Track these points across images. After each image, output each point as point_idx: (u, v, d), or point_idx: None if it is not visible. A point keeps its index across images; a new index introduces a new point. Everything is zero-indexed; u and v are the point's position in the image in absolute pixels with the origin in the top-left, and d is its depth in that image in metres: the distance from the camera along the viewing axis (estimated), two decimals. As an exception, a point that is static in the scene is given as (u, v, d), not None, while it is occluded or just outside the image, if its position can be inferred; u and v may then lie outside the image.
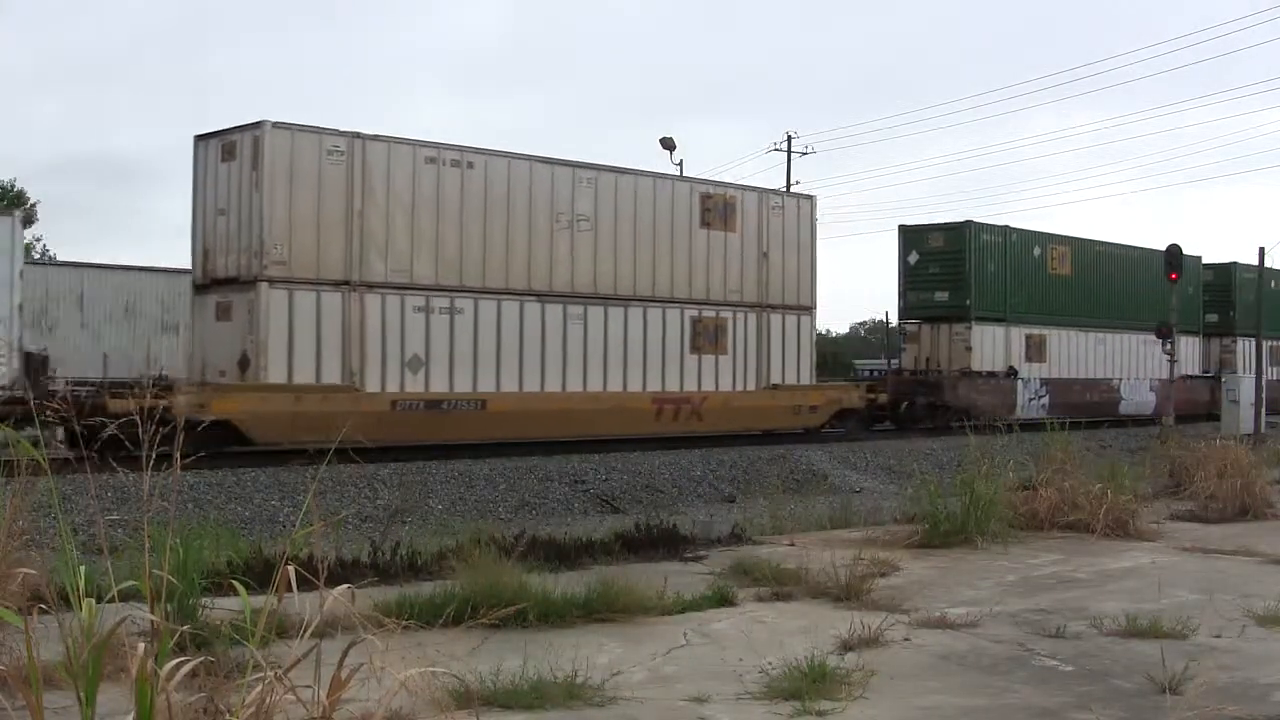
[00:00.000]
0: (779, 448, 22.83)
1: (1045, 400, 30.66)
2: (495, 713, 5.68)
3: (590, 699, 5.93)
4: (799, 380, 25.53)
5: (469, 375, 20.21)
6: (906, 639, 7.38)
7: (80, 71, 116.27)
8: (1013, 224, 31.80)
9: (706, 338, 23.79)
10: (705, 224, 23.88)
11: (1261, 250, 31.41)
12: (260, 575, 6.50)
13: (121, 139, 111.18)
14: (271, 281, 18.51)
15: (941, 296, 30.15)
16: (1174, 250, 28.41)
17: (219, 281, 19.40)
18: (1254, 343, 34.96)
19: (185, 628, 6.10)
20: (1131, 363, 34.30)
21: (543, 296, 21.49)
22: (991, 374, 29.81)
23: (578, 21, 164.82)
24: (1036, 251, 31.44)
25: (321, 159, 18.91)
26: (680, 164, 43.49)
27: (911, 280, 30.80)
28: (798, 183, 51.72)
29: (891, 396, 28.56)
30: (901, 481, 17.90)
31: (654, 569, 9.39)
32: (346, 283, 19.20)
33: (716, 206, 24.18)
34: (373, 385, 19.26)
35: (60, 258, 44.34)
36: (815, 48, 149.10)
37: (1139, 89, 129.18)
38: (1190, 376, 35.73)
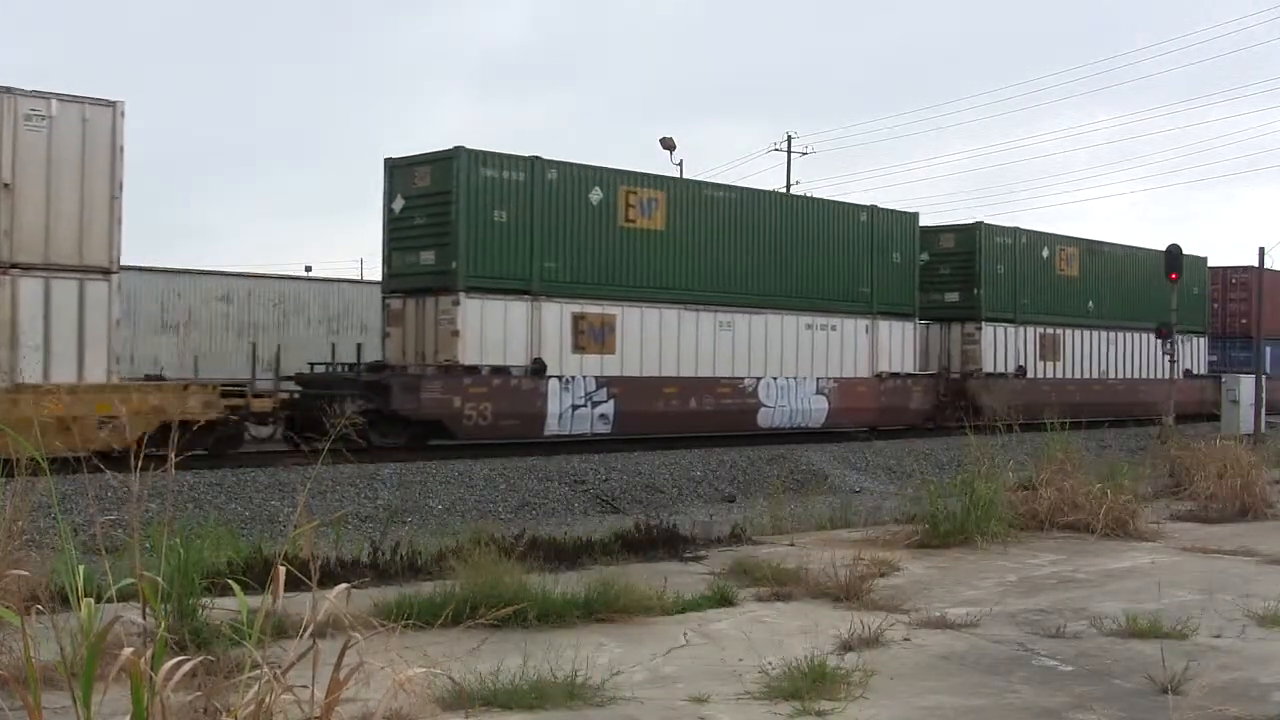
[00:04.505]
0: (779, 448, 22.80)
1: (607, 408, 21.86)
2: (495, 713, 5.68)
3: (590, 699, 5.93)
4: (81, 378, 16.68)
5: None
6: (906, 639, 7.39)
7: (76, 71, 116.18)
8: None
9: None
10: None
11: (1261, 250, 31.04)
12: (260, 575, 6.50)
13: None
14: None
15: (428, 259, 21.02)
16: (1174, 250, 28.21)
17: None
18: (1010, 329, 29.86)
19: (183, 628, 6.15)
20: (786, 356, 25.03)
21: None
22: (500, 370, 20.73)
23: (590, 24, 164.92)
24: (595, 196, 21.91)
25: None
26: (680, 164, 43.59)
27: (395, 237, 21.75)
28: (797, 182, 51.64)
29: (278, 402, 19.51)
30: (901, 481, 17.90)
31: (654, 569, 9.40)
32: None
33: None
34: None
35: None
36: (828, 48, 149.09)
37: (1156, 86, 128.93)
38: (896, 375, 27.33)
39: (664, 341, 23.02)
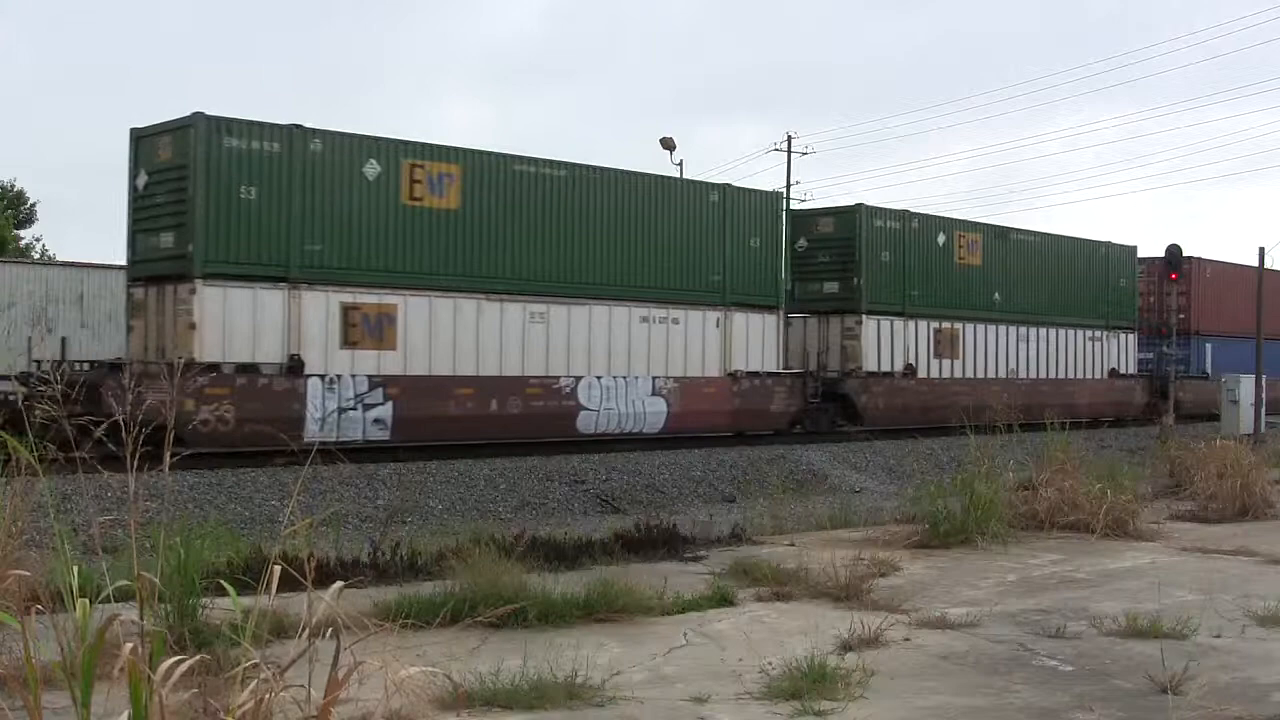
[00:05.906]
0: (779, 447, 22.80)
1: (383, 411, 19.13)
2: (495, 712, 5.68)
3: (590, 699, 5.93)
4: None
5: None
6: (906, 639, 7.38)
7: (93, 72, 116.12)
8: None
9: None
10: None
11: (1261, 250, 30.94)
12: (260, 575, 6.51)
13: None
14: None
15: (167, 242, 18.34)
16: (1173, 250, 28.24)
17: None
18: (898, 323, 26.66)
19: (183, 627, 6.14)
20: (615, 352, 21.82)
21: None
22: (248, 368, 17.99)
23: (591, 24, 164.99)
24: (371, 170, 19.07)
25: None
26: (680, 164, 43.60)
27: (138, 217, 18.87)
28: (797, 182, 51.58)
29: None
30: (901, 481, 17.91)
31: (654, 569, 9.40)
32: None
33: None
34: None
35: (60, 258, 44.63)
36: (830, 47, 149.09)
37: (1157, 86, 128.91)
38: (754, 374, 24.01)
39: (459, 336, 19.96)
